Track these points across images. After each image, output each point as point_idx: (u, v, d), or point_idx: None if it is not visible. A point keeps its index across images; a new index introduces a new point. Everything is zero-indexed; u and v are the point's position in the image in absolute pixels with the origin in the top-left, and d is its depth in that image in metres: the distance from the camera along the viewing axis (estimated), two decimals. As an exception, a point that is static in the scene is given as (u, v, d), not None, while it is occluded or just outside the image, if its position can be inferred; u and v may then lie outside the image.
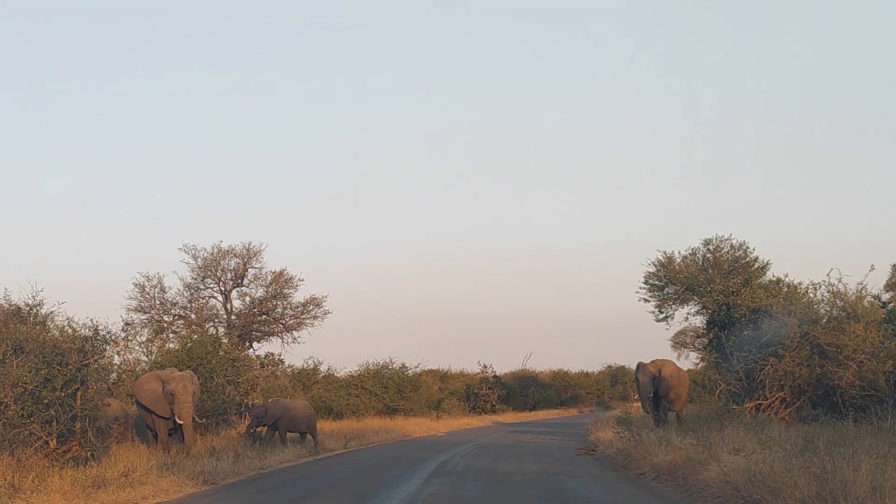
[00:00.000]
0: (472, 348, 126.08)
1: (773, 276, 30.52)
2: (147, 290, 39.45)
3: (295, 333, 41.36)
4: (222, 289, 40.67)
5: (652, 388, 30.95)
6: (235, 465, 21.26)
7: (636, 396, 32.38)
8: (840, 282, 24.09)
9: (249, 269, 40.66)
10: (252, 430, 26.94)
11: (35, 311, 22.10)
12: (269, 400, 26.81)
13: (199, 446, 24.08)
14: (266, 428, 27.09)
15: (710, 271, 39.12)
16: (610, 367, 75.28)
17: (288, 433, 27.79)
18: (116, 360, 26.90)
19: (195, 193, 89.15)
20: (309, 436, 28.27)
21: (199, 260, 40.23)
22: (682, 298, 39.99)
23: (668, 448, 19.21)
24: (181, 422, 23.21)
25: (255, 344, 41.07)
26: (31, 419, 17.65)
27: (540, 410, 62.76)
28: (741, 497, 13.14)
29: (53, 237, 78.39)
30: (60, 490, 15.45)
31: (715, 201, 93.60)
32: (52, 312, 22.14)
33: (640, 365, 32.31)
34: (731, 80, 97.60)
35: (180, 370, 24.72)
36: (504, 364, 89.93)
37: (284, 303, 41.15)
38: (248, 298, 40.94)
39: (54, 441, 18.08)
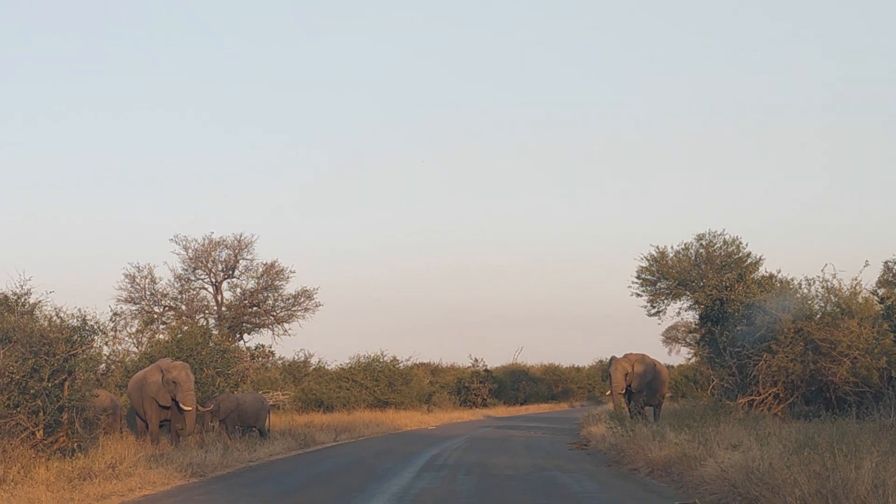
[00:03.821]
0: (464, 342, 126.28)
1: (766, 271, 30.35)
2: (137, 280, 39.31)
3: (286, 325, 41.32)
4: (213, 280, 40.52)
5: (625, 383, 30.72)
6: (224, 457, 21.02)
7: (609, 392, 32.08)
8: (834, 277, 24.01)
9: (240, 261, 40.57)
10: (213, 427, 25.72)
11: (23, 300, 21.87)
12: (219, 395, 25.95)
13: (189, 439, 23.94)
14: (219, 423, 25.83)
15: (703, 266, 39.13)
16: (601, 361, 74.89)
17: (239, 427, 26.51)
18: (105, 350, 26.75)
19: (186, 184, 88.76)
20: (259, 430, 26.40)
21: (189, 251, 40.13)
22: (674, 293, 40.01)
23: (663, 443, 19.00)
24: (187, 408, 23.06)
25: (245, 336, 40.95)
26: (18, 409, 17.39)
27: (531, 404, 62.63)
28: (739, 494, 12.94)
29: (42, 226, 77.97)
30: (46, 481, 15.21)
31: (707, 196, 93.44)
32: (39, 302, 21.91)
33: (612, 359, 32.07)
34: (723, 74, 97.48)
35: (174, 360, 24.53)
36: (495, 358, 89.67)
37: (275, 294, 41.06)
38: (238, 290, 40.85)
39: (41, 432, 17.84)
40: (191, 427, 23.56)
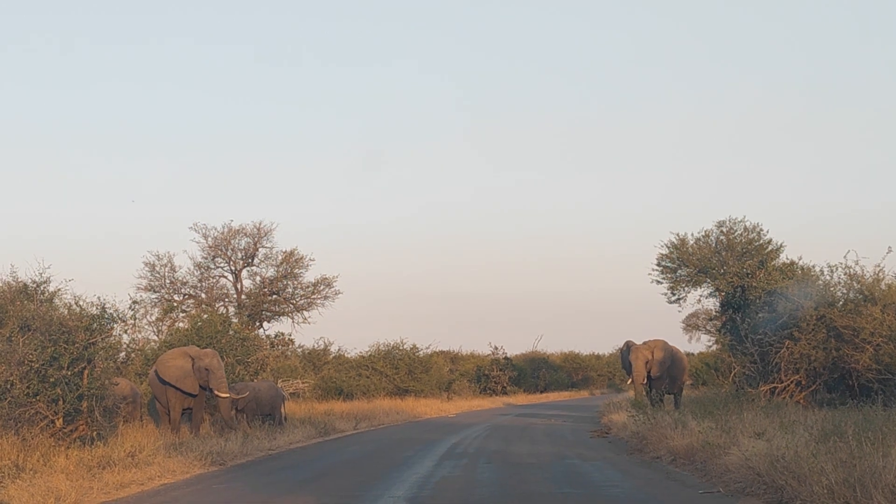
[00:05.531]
0: (483, 330, 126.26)
1: (788, 258, 30.13)
2: (157, 269, 39.38)
3: (305, 313, 41.32)
4: (232, 268, 40.54)
5: (646, 370, 30.53)
6: (244, 445, 20.98)
7: (630, 381, 31.89)
8: (857, 264, 23.76)
9: (260, 249, 40.57)
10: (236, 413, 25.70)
11: (42, 288, 21.89)
12: (237, 384, 25.85)
13: (206, 427, 23.95)
14: (237, 412, 25.80)
15: (724, 253, 38.92)
16: (621, 349, 74.94)
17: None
18: (125, 338, 26.76)
19: (206, 172, 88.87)
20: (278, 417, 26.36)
21: (209, 239, 40.16)
22: (694, 280, 39.80)
23: (685, 431, 18.87)
24: (222, 395, 23.18)
25: (265, 324, 40.96)
26: (37, 398, 17.40)
27: (551, 392, 62.56)
28: (763, 483, 12.79)
29: (61, 214, 78.17)
30: (65, 470, 15.17)
31: (727, 183, 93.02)
32: (59, 290, 21.95)
33: (630, 346, 31.73)
34: (747, 59, 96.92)
35: (200, 347, 24.53)
36: (515, 346, 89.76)
37: (295, 283, 41.05)
38: (258, 278, 40.87)
39: (60, 420, 17.83)
40: (227, 415, 23.68)
